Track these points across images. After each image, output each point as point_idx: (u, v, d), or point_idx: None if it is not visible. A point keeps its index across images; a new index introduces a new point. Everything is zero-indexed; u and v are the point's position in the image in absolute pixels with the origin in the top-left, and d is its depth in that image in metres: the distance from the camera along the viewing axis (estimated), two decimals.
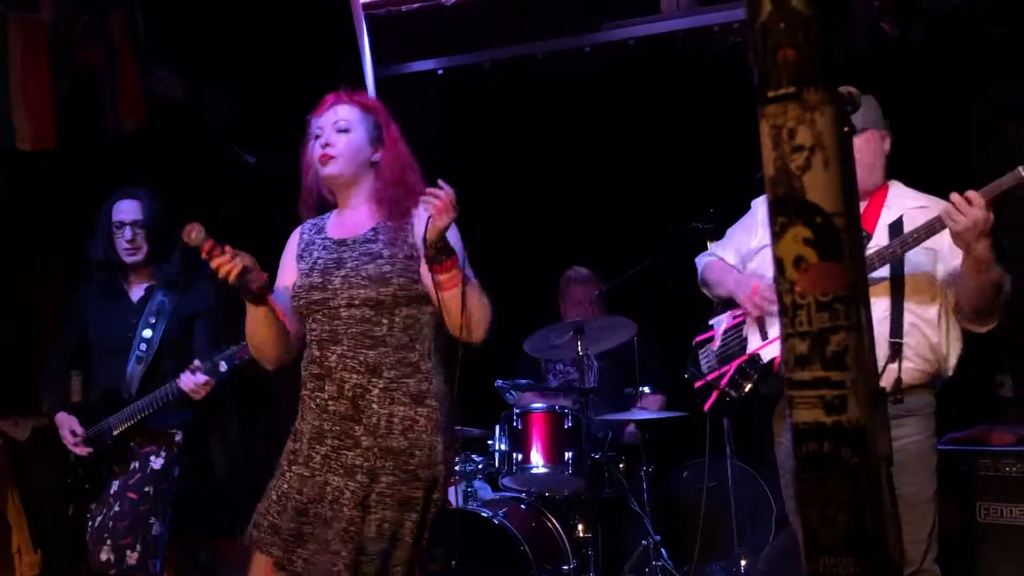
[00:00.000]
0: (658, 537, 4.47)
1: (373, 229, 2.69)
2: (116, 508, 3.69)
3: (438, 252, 2.53)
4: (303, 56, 5.19)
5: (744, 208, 3.44)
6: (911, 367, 2.85)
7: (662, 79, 5.39)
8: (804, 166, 1.01)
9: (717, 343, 3.18)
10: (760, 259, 3.14)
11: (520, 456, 4.54)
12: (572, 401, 4.72)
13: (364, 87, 5.23)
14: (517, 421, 4.58)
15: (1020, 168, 2.63)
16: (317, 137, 2.73)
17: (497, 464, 4.62)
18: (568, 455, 4.49)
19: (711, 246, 3.40)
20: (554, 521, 4.47)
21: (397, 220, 2.68)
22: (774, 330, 2.98)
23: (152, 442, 3.79)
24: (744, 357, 3.05)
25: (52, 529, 4.68)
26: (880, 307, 2.83)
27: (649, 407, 4.74)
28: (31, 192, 5.05)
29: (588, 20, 5.34)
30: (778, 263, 1.03)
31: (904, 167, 3.14)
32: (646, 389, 4.79)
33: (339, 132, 2.71)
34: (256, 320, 2.66)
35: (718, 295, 3.30)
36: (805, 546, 1.03)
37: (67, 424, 3.86)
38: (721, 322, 3.22)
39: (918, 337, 2.84)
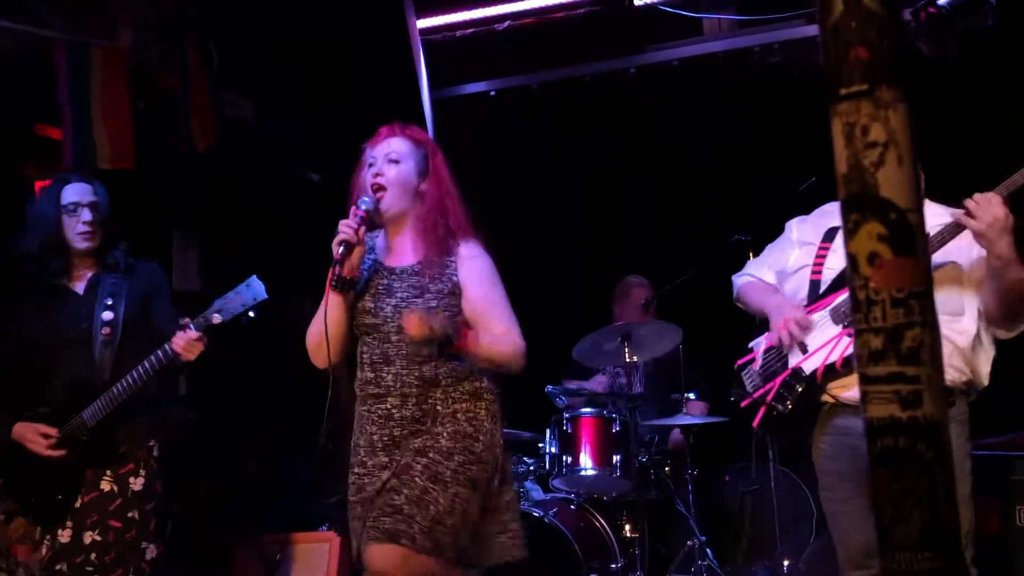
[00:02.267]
0: (704, 538, 4.40)
1: (420, 263, 2.77)
2: (96, 537, 3.17)
3: (437, 344, 2.67)
4: (363, 79, 5.21)
5: (783, 220, 3.37)
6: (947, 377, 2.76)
7: (705, 98, 5.35)
8: (878, 163, 0.96)
9: (758, 364, 3.13)
10: (795, 281, 3.07)
11: (569, 459, 4.49)
12: (620, 406, 4.67)
13: (420, 110, 5.24)
14: (567, 425, 4.53)
15: None
16: (370, 166, 2.80)
17: (547, 466, 4.58)
18: (616, 458, 4.44)
19: (748, 265, 3.32)
20: (602, 521, 4.42)
21: (439, 253, 2.76)
22: (813, 344, 2.92)
23: (129, 460, 3.27)
24: (787, 372, 2.98)
25: None
26: None
27: (693, 413, 4.67)
28: (114, 209, 5.11)
29: (633, 43, 5.32)
30: (851, 260, 0.98)
31: (940, 186, 3.05)
32: (691, 396, 4.72)
33: (390, 163, 2.78)
34: (339, 307, 2.72)
35: (757, 312, 3.23)
36: (879, 543, 0.98)
37: (32, 430, 3.25)
38: (760, 343, 3.16)
39: (949, 348, 2.72)
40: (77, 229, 3.33)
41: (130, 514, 3.22)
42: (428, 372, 2.70)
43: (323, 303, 2.75)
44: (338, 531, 4.33)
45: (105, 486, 3.23)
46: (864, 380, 0.98)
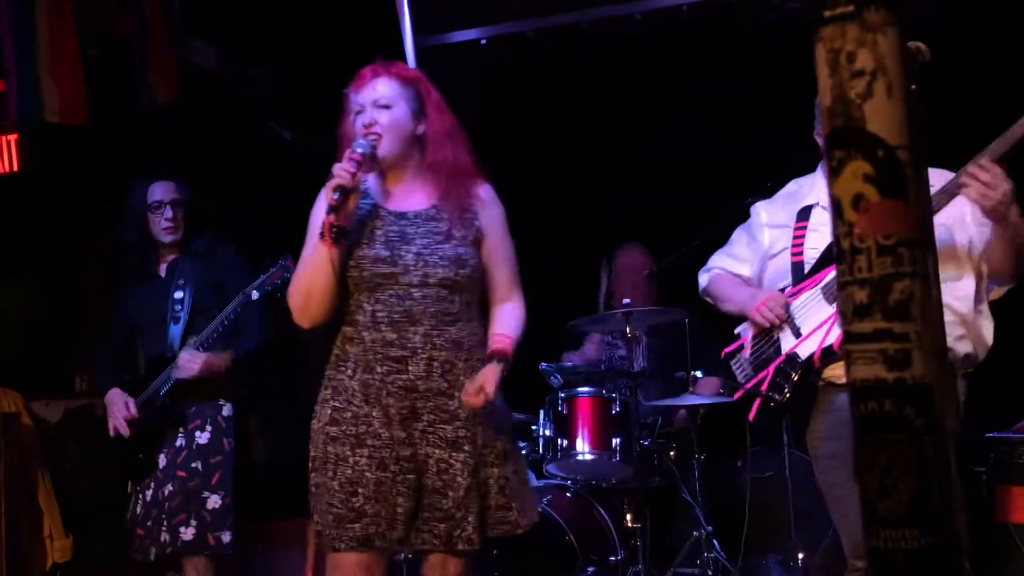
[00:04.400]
0: (710, 528, 4.40)
1: (435, 207, 2.77)
2: (169, 487, 3.81)
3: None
4: (340, 26, 5.16)
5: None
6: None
7: (717, 48, 5.29)
8: (865, 93, 0.93)
9: (748, 351, 3.16)
10: (776, 264, 3.14)
11: (565, 442, 4.49)
12: (620, 385, 4.66)
13: (403, 58, 5.19)
14: (562, 405, 4.53)
15: None
16: (358, 113, 2.76)
17: (541, 450, 4.58)
18: (616, 441, 4.43)
19: (713, 257, 3.38)
20: (601, 510, 4.43)
21: (458, 194, 2.78)
22: (807, 326, 2.95)
23: (197, 417, 3.89)
24: (781, 358, 3.01)
25: (87, 512, 4.72)
26: None
27: (703, 391, 4.66)
28: (66, 168, 5.09)
29: None
30: (835, 204, 0.96)
31: (980, 135, 3.03)
32: (698, 374, 4.71)
33: (380, 108, 2.73)
34: (321, 263, 2.68)
35: (727, 311, 3.28)
36: (863, 518, 0.96)
37: (120, 399, 3.96)
38: (747, 329, 3.19)
39: (949, 316, 2.79)
40: (161, 225, 4.01)
41: (194, 464, 3.83)
42: (455, 333, 2.73)
43: (305, 255, 2.73)
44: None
45: (179, 441, 3.87)
46: (848, 338, 0.96)
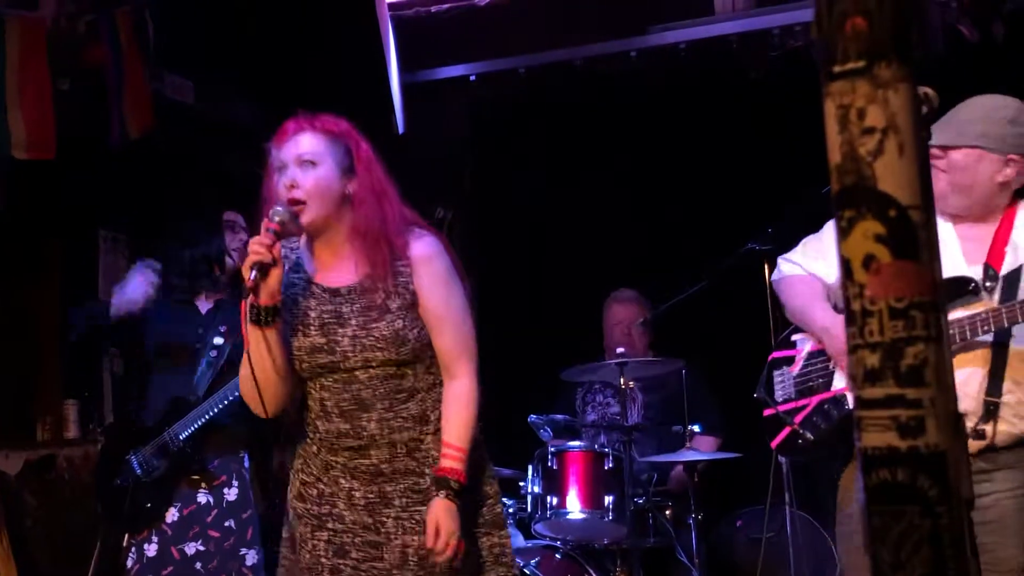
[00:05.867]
0: None
1: (369, 276, 2.62)
2: (197, 547, 3.82)
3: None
4: (323, 61, 5.20)
5: (809, 228, 3.37)
6: (1007, 430, 2.70)
7: (716, 87, 5.35)
8: (876, 151, 0.95)
9: (797, 367, 3.02)
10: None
11: (555, 500, 4.47)
12: (613, 439, 4.65)
13: (389, 97, 5.24)
14: (552, 461, 4.51)
15: None
16: (280, 170, 2.60)
17: (530, 508, 4.56)
18: (608, 499, 4.41)
19: (799, 248, 3.11)
20: (592, 573, 4.40)
21: (390, 259, 2.62)
22: None
23: (222, 472, 3.90)
24: (828, 394, 2.91)
25: (47, 574, 4.66)
26: (973, 369, 2.72)
27: (699, 448, 4.66)
28: (30, 204, 5.09)
29: (634, 23, 5.34)
30: (845, 264, 0.98)
31: None
32: (696, 428, 4.71)
33: (305, 165, 2.57)
34: (263, 346, 2.54)
35: (789, 317, 3.10)
36: None
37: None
38: (807, 341, 3.04)
39: (1020, 395, 2.69)
40: (233, 245, 4.02)
41: (227, 523, 3.87)
42: (415, 408, 2.63)
43: (245, 344, 2.56)
44: None
45: (201, 499, 3.86)
46: (859, 404, 0.97)
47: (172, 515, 3.84)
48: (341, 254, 2.67)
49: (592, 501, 4.44)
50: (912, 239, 0.95)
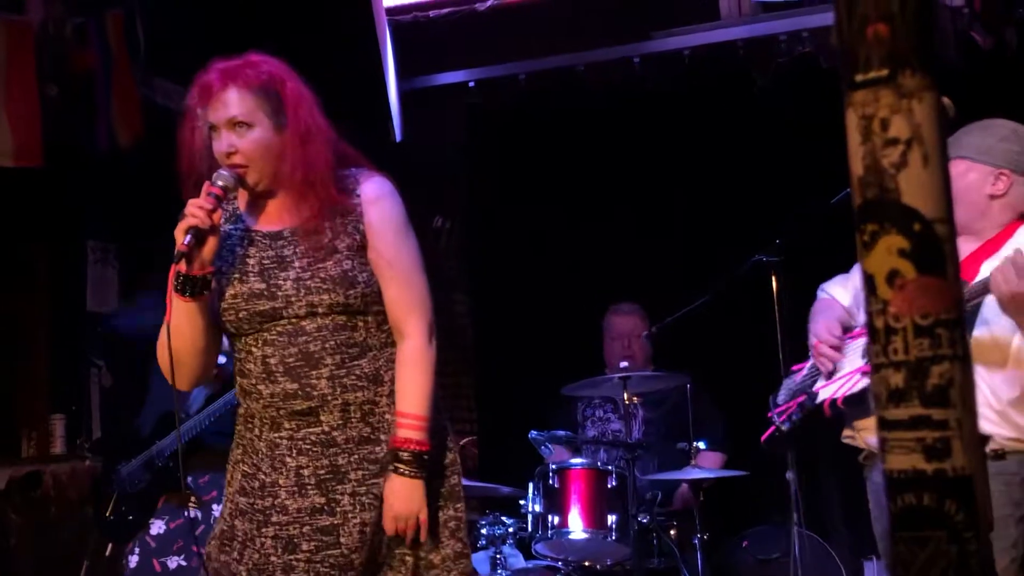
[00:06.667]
0: None
1: (314, 215, 2.50)
2: (182, 562, 3.77)
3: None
4: (318, 66, 5.19)
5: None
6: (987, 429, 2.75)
7: (721, 94, 5.35)
8: (899, 163, 0.94)
9: (801, 374, 3.21)
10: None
11: (556, 519, 4.46)
12: (615, 456, 4.64)
13: (386, 103, 5.24)
14: (553, 479, 4.50)
15: None
16: (211, 131, 2.49)
17: (530, 528, 4.54)
18: (611, 519, 4.40)
19: (834, 280, 3.28)
20: None
21: (336, 197, 2.52)
22: (841, 370, 2.98)
23: (212, 488, 3.81)
24: (803, 396, 3.09)
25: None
26: None
27: (705, 466, 4.65)
28: (16, 214, 5.08)
29: (637, 28, 5.34)
30: (868, 280, 0.97)
31: None
32: (701, 445, 4.70)
33: (239, 128, 2.46)
34: (185, 317, 2.45)
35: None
36: None
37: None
38: None
39: (987, 396, 2.74)
40: None
41: None
42: (368, 366, 2.51)
43: (167, 312, 2.46)
44: None
45: (190, 514, 3.81)
46: (883, 425, 0.96)
47: (158, 527, 3.82)
48: (286, 199, 2.55)
49: (595, 520, 4.43)
50: (938, 254, 0.94)
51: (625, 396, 4.48)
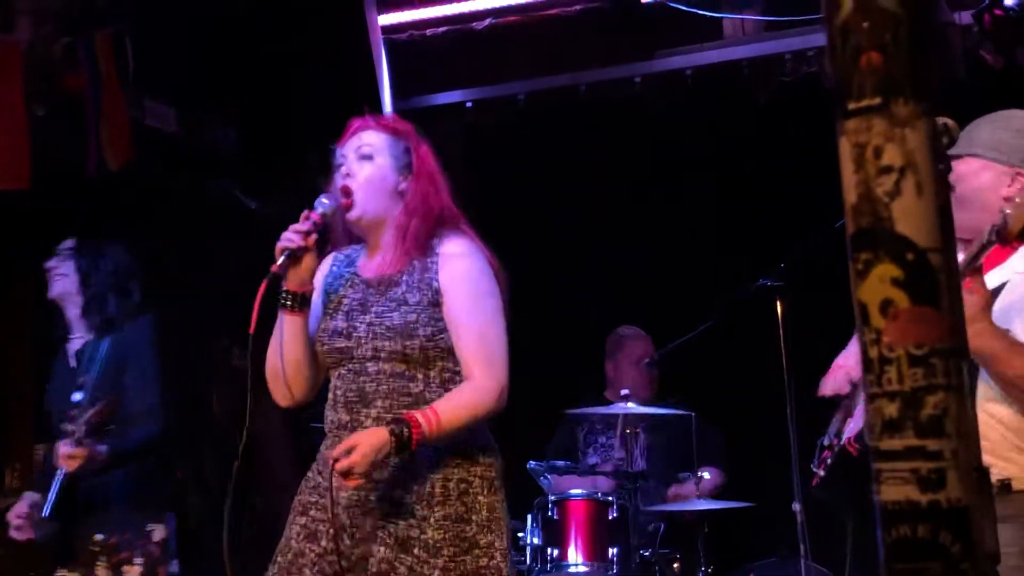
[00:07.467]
0: None
1: (400, 270, 2.72)
2: None
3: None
4: (312, 86, 5.23)
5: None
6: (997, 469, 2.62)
7: (724, 114, 5.38)
8: (893, 192, 0.96)
9: (836, 416, 3.12)
10: None
11: (556, 552, 4.45)
12: (617, 487, 4.65)
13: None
14: (552, 510, 4.50)
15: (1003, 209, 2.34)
16: (340, 166, 2.78)
17: (528, 561, 4.54)
18: (613, 551, 4.40)
19: None
20: None
21: (420, 255, 2.73)
22: (861, 403, 2.94)
23: (123, 549, 3.63)
24: (835, 439, 3.01)
25: None
26: None
27: (706, 486, 4.66)
28: (1, 239, 5.10)
29: (639, 47, 5.36)
30: (861, 309, 0.99)
31: None
32: (705, 474, 4.71)
33: (362, 159, 2.75)
34: (290, 331, 2.70)
35: None
36: None
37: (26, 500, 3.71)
38: None
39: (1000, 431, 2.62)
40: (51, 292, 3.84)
41: None
42: None
43: (276, 326, 2.73)
44: None
45: (100, 573, 3.59)
46: (877, 456, 0.98)
47: None
48: (386, 249, 2.78)
49: (595, 553, 4.42)
50: (931, 283, 0.96)
51: (626, 426, 4.49)
